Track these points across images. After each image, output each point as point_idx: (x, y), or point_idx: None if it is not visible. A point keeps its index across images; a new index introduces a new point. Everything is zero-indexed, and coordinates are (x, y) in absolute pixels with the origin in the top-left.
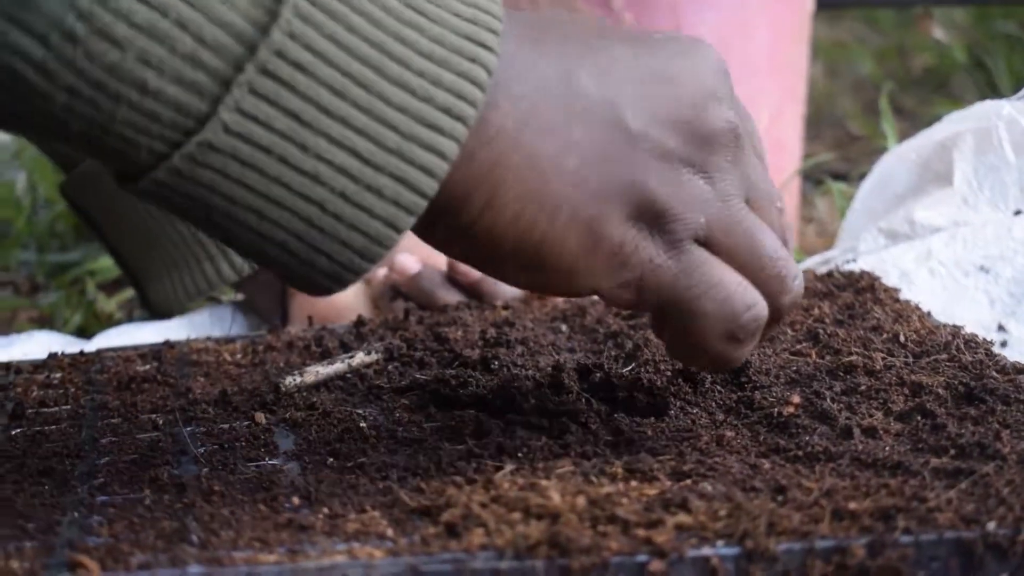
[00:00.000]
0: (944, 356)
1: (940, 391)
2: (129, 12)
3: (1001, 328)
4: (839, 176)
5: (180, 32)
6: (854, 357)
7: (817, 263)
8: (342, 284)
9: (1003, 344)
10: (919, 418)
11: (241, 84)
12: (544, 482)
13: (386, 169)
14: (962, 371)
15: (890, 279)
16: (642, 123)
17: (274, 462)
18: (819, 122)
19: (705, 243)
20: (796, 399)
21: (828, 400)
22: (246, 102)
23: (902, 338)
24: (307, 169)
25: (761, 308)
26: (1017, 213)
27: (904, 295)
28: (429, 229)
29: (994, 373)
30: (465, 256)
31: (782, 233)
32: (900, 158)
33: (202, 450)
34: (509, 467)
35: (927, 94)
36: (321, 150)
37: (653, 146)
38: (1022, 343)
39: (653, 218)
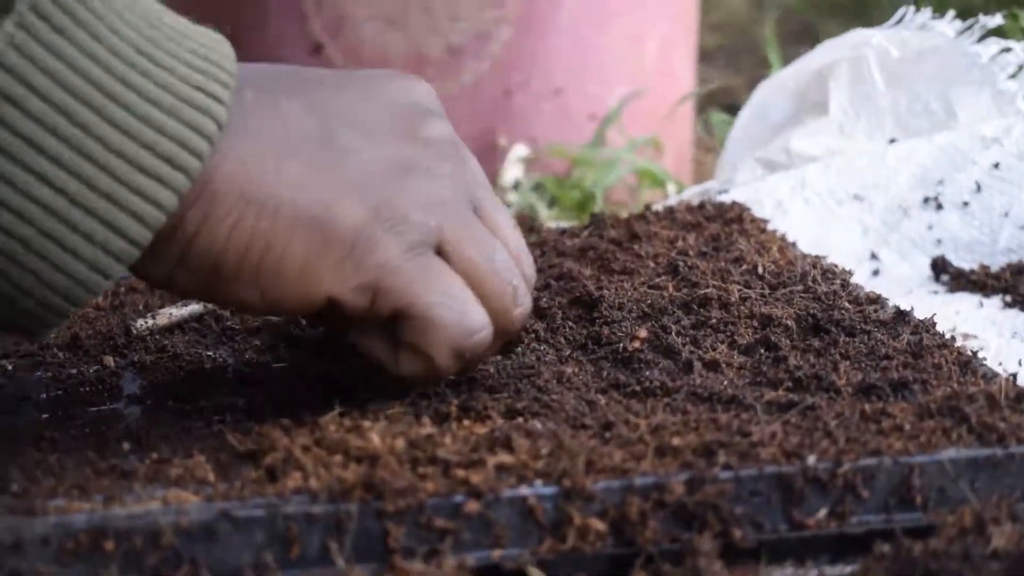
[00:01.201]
0: (800, 287)
1: (789, 323)
2: None
3: (874, 256)
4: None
5: None
6: (710, 290)
7: (694, 194)
8: (46, 327)
9: (875, 272)
10: (762, 351)
11: None
12: (368, 424)
13: (97, 213)
14: (815, 302)
15: (765, 209)
16: (356, 137)
17: (116, 406)
18: (740, 52)
19: (439, 251)
20: (643, 333)
21: (674, 334)
22: None
23: (760, 269)
24: (12, 205)
25: (489, 332)
26: (892, 142)
27: (779, 225)
28: (152, 260)
29: (845, 304)
30: (192, 288)
31: (517, 243)
32: (777, 87)
33: (44, 396)
34: (337, 409)
35: (848, 20)
36: (30, 187)
37: (372, 157)
38: (893, 270)
39: (384, 220)
